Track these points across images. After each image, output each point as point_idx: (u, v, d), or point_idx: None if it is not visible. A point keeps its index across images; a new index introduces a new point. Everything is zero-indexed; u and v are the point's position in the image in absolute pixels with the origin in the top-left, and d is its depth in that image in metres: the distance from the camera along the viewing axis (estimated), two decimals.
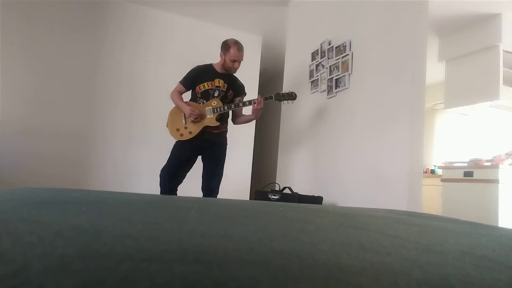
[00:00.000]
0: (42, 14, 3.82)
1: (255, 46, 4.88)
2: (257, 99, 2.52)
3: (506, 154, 3.68)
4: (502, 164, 3.34)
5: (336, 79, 2.99)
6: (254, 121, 4.81)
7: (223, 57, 2.59)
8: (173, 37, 4.32)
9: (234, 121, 2.77)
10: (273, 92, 2.69)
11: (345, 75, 2.89)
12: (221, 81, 2.59)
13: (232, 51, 2.53)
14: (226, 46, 2.57)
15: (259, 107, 2.51)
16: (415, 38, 2.34)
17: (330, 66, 3.10)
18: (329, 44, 3.16)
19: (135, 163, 4.07)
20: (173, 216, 0.67)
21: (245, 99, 2.72)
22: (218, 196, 2.64)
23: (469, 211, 3.33)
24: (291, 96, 2.62)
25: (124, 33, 4.20)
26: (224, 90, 2.60)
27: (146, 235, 0.45)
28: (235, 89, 2.67)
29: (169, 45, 4.28)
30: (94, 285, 0.28)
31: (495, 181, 3.23)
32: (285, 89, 3.94)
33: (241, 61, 2.61)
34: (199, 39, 4.48)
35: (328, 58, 3.14)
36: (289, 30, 4.05)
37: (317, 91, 3.26)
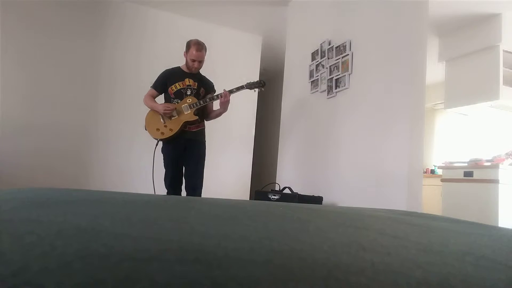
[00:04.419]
0: (42, 14, 3.83)
1: (255, 46, 4.87)
2: (223, 92, 2.65)
3: (506, 154, 3.68)
4: (502, 164, 3.34)
5: (336, 79, 2.99)
6: (254, 121, 4.88)
7: (186, 56, 2.71)
8: (173, 37, 4.32)
9: (207, 118, 2.87)
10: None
11: (345, 75, 2.89)
12: (191, 80, 2.71)
13: (192, 51, 2.64)
14: (187, 46, 2.70)
15: (225, 100, 2.65)
16: (415, 38, 2.34)
17: (330, 66, 3.10)
18: (329, 44, 3.16)
19: (135, 162, 4.07)
20: (173, 216, 0.67)
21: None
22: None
23: (469, 211, 3.33)
24: (260, 84, 2.77)
25: (124, 33, 4.20)
26: (196, 88, 2.72)
27: (146, 235, 0.45)
28: (206, 86, 2.79)
29: (169, 45, 4.28)
30: (94, 285, 0.28)
31: (495, 181, 3.23)
32: (285, 89, 3.96)
33: (202, 61, 2.71)
34: (199, 39, 4.47)
35: (328, 58, 3.14)
36: (289, 30, 4.05)
37: (317, 91, 3.26)
